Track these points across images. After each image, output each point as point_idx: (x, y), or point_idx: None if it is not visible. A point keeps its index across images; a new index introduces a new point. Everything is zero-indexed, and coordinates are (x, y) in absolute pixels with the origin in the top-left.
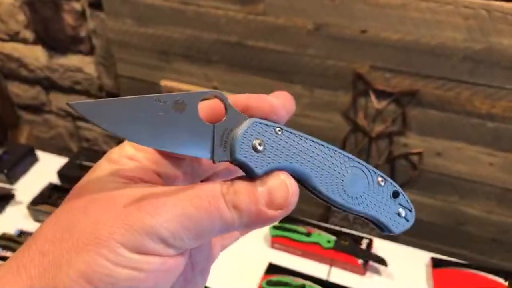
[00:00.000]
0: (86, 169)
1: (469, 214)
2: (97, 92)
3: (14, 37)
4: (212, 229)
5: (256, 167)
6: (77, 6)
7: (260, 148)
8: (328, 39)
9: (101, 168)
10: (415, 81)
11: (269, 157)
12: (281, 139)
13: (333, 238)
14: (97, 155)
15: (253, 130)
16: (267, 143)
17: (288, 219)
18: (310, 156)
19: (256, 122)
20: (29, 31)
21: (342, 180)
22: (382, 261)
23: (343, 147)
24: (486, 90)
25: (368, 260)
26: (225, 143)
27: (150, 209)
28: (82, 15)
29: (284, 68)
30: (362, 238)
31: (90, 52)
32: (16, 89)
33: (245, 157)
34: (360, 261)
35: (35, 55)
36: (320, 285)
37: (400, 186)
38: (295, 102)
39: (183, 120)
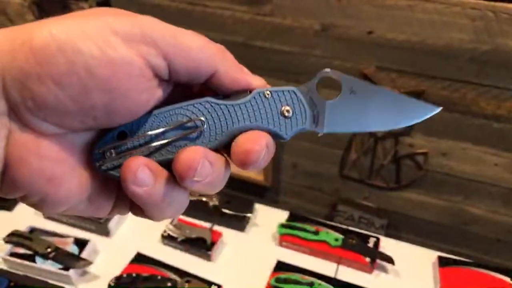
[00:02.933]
0: None
1: (474, 214)
2: None
3: None
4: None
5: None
6: (86, 6)
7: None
8: (334, 40)
9: None
10: (421, 81)
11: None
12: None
13: (341, 236)
14: None
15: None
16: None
17: (296, 217)
18: None
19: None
20: None
21: None
22: (389, 260)
23: (349, 147)
24: (492, 91)
25: (376, 259)
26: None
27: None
28: None
29: (290, 68)
30: (369, 236)
31: None
32: None
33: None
34: (367, 259)
35: None
36: (328, 283)
37: (406, 186)
38: None
39: None
